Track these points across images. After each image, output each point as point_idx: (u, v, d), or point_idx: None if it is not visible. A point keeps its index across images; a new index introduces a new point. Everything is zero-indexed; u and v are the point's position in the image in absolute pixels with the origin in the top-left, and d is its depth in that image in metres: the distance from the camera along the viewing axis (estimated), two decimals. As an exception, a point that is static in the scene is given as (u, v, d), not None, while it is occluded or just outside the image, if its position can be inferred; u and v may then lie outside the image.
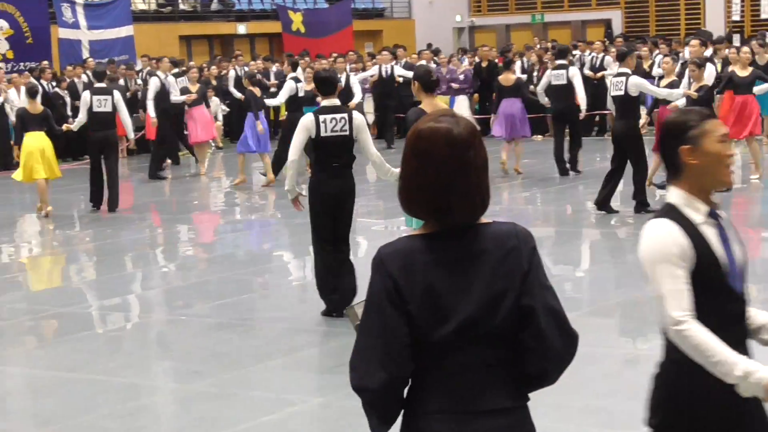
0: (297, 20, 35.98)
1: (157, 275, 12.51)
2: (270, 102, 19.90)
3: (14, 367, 8.89)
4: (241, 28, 35.85)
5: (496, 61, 27.86)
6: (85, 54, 29.84)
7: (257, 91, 19.66)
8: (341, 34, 36.19)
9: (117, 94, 17.23)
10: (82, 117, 17.01)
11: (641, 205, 14.51)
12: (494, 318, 3.20)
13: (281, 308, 10.33)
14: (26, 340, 9.89)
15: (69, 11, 30.22)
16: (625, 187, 14.92)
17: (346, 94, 19.83)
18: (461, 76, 26.40)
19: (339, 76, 19.49)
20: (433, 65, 27.29)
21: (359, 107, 20.67)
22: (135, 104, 24.19)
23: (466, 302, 3.19)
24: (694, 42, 17.86)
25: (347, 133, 9.66)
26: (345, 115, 9.71)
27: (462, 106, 26.44)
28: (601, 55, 26.02)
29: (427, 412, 3.23)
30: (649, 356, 8.19)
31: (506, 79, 19.82)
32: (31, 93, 17.15)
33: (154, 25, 33.59)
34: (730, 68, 18.63)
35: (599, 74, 25.20)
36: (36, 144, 16.64)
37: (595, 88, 24.15)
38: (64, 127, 17.45)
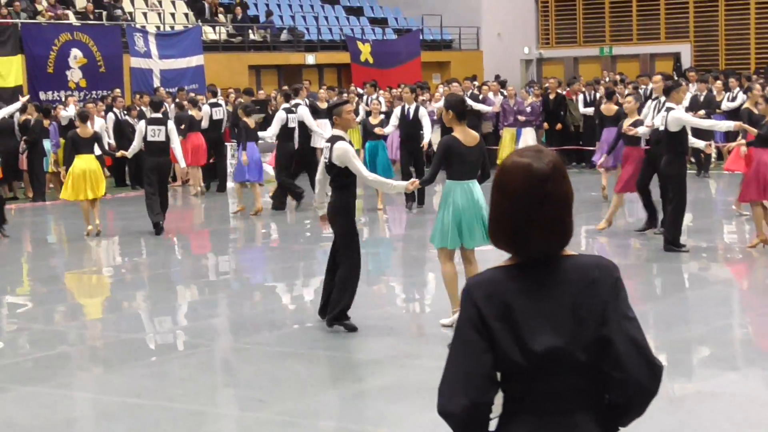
0: (366, 51, 36.18)
1: (222, 302, 12.58)
2: (263, 134, 20.00)
3: (81, 392, 8.98)
4: (310, 59, 36.09)
5: (564, 93, 27.82)
6: (156, 83, 30.21)
7: (251, 122, 19.96)
8: (410, 65, 36.34)
9: (170, 124, 17.93)
10: (136, 144, 17.86)
11: (670, 244, 14.23)
12: (577, 347, 3.25)
13: (345, 338, 10.34)
14: (92, 365, 9.99)
15: (141, 41, 30.63)
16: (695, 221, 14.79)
17: (415, 125, 19.84)
18: (528, 108, 26.38)
19: (407, 107, 19.67)
20: (500, 98, 27.32)
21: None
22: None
23: (548, 331, 3.25)
24: (657, 78, 16.88)
25: (327, 161, 10.44)
26: (328, 144, 10.47)
27: (529, 139, 26.40)
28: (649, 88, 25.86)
29: None
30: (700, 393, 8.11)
31: (608, 109, 20.49)
32: (83, 117, 17.91)
33: (224, 55, 33.93)
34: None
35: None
36: (85, 166, 17.53)
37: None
38: (119, 153, 18.85)
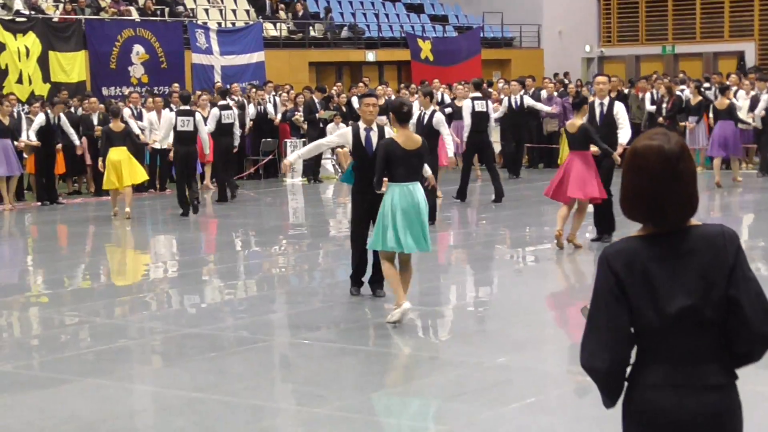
0: (426, 48, 36.15)
1: (281, 299, 12.65)
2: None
3: (141, 386, 9.07)
4: (370, 56, 36.14)
5: (626, 91, 27.64)
6: (217, 78, 30.38)
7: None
8: (470, 63, 36.25)
9: (198, 116, 19.85)
10: (164, 134, 20.35)
11: None
12: (706, 307, 3.71)
13: (404, 335, 10.36)
14: (154, 359, 10.08)
15: (203, 37, 30.83)
16: None
17: (431, 133, 19.10)
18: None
19: (424, 112, 18.52)
20: (553, 97, 27.15)
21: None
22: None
23: (682, 293, 3.71)
24: (601, 78, 16.14)
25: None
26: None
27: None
28: (734, 88, 25.62)
29: (649, 386, 3.75)
30: None
31: (721, 103, 22.50)
32: (114, 113, 20.07)
33: (285, 52, 34.06)
34: None
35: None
36: (117, 157, 19.47)
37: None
38: (150, 144, 21.57)
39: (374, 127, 11.43)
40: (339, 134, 11.99)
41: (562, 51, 40.33)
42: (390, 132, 11.42)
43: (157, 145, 22.31)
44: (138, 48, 29.35)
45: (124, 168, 19.49)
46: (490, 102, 21.25)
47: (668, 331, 3.73)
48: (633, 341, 3.76)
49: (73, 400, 8.45)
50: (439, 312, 11.35)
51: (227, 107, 22.08)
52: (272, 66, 32.13)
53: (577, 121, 14.55)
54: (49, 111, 22.40)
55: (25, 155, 22.33)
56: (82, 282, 14.36)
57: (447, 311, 11.42)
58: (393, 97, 28.67)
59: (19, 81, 26.93)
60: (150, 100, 24.61)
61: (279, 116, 26.87)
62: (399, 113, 10.56)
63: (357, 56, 35.98)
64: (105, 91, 28.06)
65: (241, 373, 9.21)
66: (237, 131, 22.47)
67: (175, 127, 19.60)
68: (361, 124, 11.55)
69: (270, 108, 27.00)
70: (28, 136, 21.69)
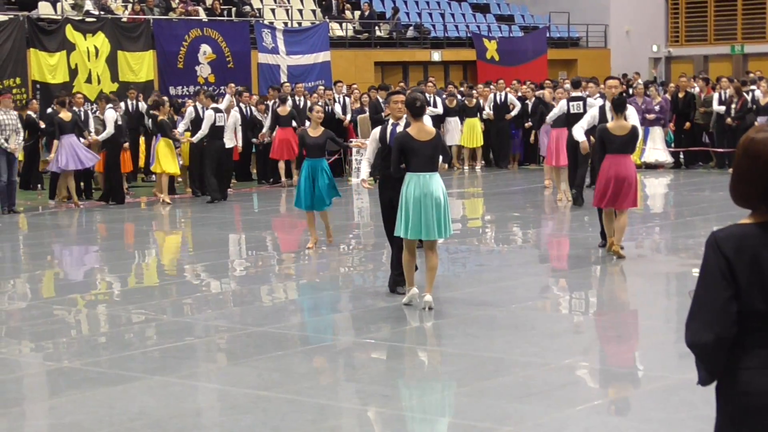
0: (492, 48, 36.08)
1: (344, 298, 12.66)
2: (180, 128, 22.91)
3: (207, 384, 9.12)
4: (436, 56, 36.13)
5: (694, 92, 27.39)
6: (283, 78, 30.51)
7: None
8: (536, 63, 36.15)
9: (234, 112, 23.42)
10: (204, 131, 22.23)
11: None
12: None
13: (468, 335, 10.34)
14: (219, 357, 10.13)
15: (269, 37, 30.98)
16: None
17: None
18: (657, 107, 26.02)
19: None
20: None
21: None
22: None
23: None
24: (613, 81, 16.16)
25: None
26: None
27: (656, 138, 26.06)
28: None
29: (749, 367, 3.89)
30: None
31: None
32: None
33: (351, 51, 34.14)
34: None
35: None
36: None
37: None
38: (185, 138, 22.93)
39: (401, 123, 12.05)
40: (372, 135, 12.74)
41: (630, 51, 40.06)
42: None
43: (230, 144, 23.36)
44: (205, 48, 29.55)
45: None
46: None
47: None
48: (737, 322, 3.90)
49: (141, 397, 8.51)
50: (504, 312, 11.31)
51: (220, 110, 22.65)
52: (338, 66, 32.22)
53: (623, 122, 14.08)
54: (197, 104, 23.30)
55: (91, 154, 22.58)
56: (147, 281, 14.48)
57: (512, 311, 11.38)
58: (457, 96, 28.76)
59: (89, 80, 27.23)
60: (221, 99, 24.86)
61: (348, 116, 26.97)
62: (413, 108, 11.17)
63: (422, 56, 35.98)
64: (172, 91, 28.29)
65: (306, 372, 9.23)
66: (237, 134, 23.63)
67: (214, 123, 22.07)
68: (390, 120, 12.37)
69: (338, 108, 27.07)
70: (179, 131, 22.94)
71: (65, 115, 21.58)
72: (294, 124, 24.79)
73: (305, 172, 15.34)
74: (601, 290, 13.23)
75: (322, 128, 15.57)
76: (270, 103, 25.96)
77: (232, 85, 27.03)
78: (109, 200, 22.35)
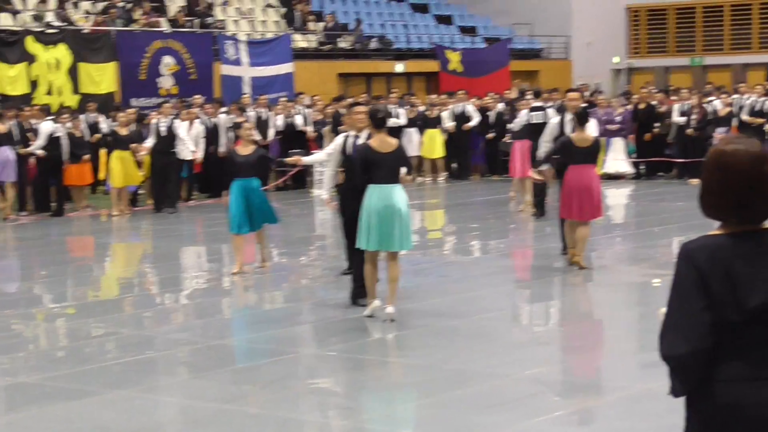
0: (455, 60, 36.08)
1: (306, 310, 12.58)
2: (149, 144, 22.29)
3: (168, 397, 9.02)
4: (399, 67, 36.10)
5: (654, 103, 27.50)
6: (246, 90, 30.36)
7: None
8: (498, 74, 36.14)
9: (197, 124, 23.70)
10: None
11: None
12: None
13: (431, 347, 10.28)
14: (179, 370, 10.03)
15: (232, 48, 30.83)
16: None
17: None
18: (618, 118, 26.11)
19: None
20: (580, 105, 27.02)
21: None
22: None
23: (760, 290, 3.86)
24: (574, 94, 15.51)
25: None
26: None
27: (618, 148, 26.15)
28: (762, 99, 25.46)
29: (722, 379, 3.87)
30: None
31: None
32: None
33: (314, 63, 34.06)
34: None
35: (759, 120, 24.73)
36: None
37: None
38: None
39: (362, 135, 12.01)
40: (335, 144, 12.74)
41: (591, 62, 40.18)
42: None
43: (190, 156, 22.94)
44: (168, 59, 29.37)
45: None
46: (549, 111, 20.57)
47: (746, 326, 3.88)
48: (712, 334, 3.86)
49: (100, 412, 8.41)
50: (467, 323, 11.27)
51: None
52: (301, 77, 32.12)
53: (586, 134, 14.06)
54: (161, 117, 23.00)
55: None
56: (107, 294, 14.35)
57: (475, 322, 11.34)
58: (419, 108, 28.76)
59: (49, 92, 26.99)
60: (184, 112, 24.66)
61: (310, 128, 26.88)
62: (375, 119, 11.23)
63: (386, 67, 35.95)
64: (134, 102, 28.06)
65: (268, 385, 9.15)
66: (198, 144, 23.69)
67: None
68: (350, 132, 12.37)
69: (299, 120, 26.99)
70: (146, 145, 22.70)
71: (1, 127, 21.52)
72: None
73: (236, 193, 14.31)
74: (564, 301, 13.22)
75: (253, 146, 14.61)
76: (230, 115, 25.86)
77: (197, 96, 26.93)
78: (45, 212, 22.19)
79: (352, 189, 11.88)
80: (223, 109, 25.73)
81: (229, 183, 14.47)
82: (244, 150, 14.47)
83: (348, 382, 9.26)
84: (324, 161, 13.43)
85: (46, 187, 22.49)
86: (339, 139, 12.68)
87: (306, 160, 14.63)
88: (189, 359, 10.30)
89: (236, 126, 15.22)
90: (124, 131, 22.17)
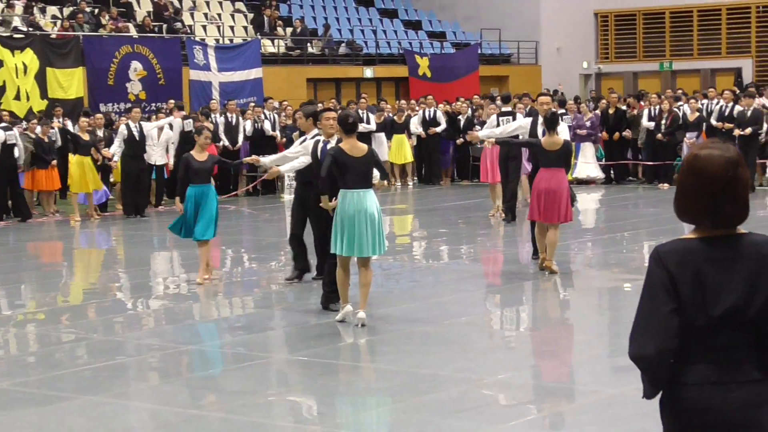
0: (424, 65, 36.19)
1: (277, 315, 12.60)
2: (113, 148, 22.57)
3: (139, 403, 9.01)
4: (368, 72, 36.15)
5: (624, 108, 27.63)
6: (215, 95, 30.34)
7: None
8: (468, 79, 36.29)
9: (167, 129, 23.49)
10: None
11: None
12: (750, 309, 3.94)
13: (402, 352, 10.31)
14: (150, 376, 10.02)
15: (201, 54, 30.80)
16: None
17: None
18: (588, 123, 26.22)
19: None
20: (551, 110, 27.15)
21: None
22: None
23: (729, 294, 3.93)
24: (544, 98, 15.74)
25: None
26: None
27: (587, 153, 26.26)
28: (730, 104, 25.63)
29: (689, 383, 3.94)
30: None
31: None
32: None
33: (283, 68, 34.07)
34: None
35: (728, 125, 24.90)
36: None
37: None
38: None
39: (332, 140, 12.13)
40: (304, 146, 13.00)
41: (560, 67, 40.35)
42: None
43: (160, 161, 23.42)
44: (136, 64, 29.31)
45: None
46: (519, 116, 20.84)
47: (712, 330, 3.94)
48: (679, 335, 3.94)
49: (71, 417, 8.39)
50: (438, 328, 11.31)
51: (8, 128, 22.45)
52: (270, 82, 32.12)
53: (556, 138, 14.15)
54: (130, 122, 22.87)
55: None
56: (77, 299, 14.30)
57: (446, 327, 11.37)
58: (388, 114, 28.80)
59: (17, 98, 26.88)
60: (154, 117, 24.63)
61: (278, 133, 26.84)
62: (345, 124, 11.28)
63: (355, 72, 35.99)
64: (102, 108, 27.99)
65: (239, 391, 9.15)
66: (169, 149, 23.75)
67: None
68: (321, 138, 12.61)
69: (267, 125, 26.97)
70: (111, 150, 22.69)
71: None
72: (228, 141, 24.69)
73: (193, 199, 14.09)
74: (535, 305, 13.27)
75: (207, 153, 14.51)
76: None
77: (172, 101, 26.90)
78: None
79: (310, 197, 12.17)
80: (182, 113, 25.60)
81: (183, 190, 14.22)
82: (200, 156, 14.30)
83: (319, 387, 9.27)
84: (281, 160, 13.66)
85: (4, 194, 22.37)
86: (310, 142, 12.76)
87: (264, 160, 14.46)
88: (160, 365, 10.29)
89: (197, 131, 14.90)
90: (85, 136, 22.05)
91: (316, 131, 13.30)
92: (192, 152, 14.42)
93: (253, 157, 15.09)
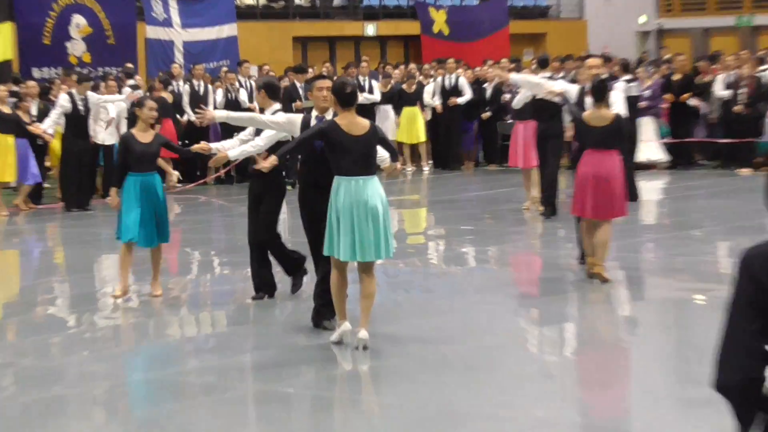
0: (440, 20, 36.18)
1: (257, 334, 12.55)
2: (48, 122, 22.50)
3: (82, 446, 8.97)
4: (370, 29, 36.16)
5: (691, 74, 27.55)
6: (178, 58, 30.30)
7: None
8: (494, 38, 36.29)
9: (120, 102, 23.96)
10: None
11: None
12: None
13: (414, 381, 10.27)
14: (95, 413, 9.97)
15: (160, 6, 30.78)
16: None
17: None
18: (647, 93, 26.11)
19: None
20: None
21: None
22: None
23: None
24: (594, 61, 16.29)
25: None
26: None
27: (647, 131, 26.12)
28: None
29: None
30: None
31: None
32: None
33: (263, 23, 34.08)
34: None
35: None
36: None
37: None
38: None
39: (328, 116, 11.98)
40: (287, 119, 12.56)
41: (611, 23, 40.32)
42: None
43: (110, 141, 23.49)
44: (78, 19, 29.29)
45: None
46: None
47: None
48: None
49: (-8, 466, 8.34)
50: (458, 350, 11.25)
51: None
52: (247, 41, 32.12)
53: (604, 111, 14.08)
54: (73, 91, 22.87)
55: None
56: (6, 313, 14.27)
57: (468, 350, 11.33)
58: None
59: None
60: (103, 84, 24.53)
61: (256, 104, 26.74)
62: (341, 94, 11.17)
63: (353, 30, 35.99)
64: (37, 73, 27.97)
65: (208, 431, 9.09)
66: (121, 126, 23.63)
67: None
68: (313, 113, 12.36)
69: (243, 95, 26.95)
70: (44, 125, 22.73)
71: None
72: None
73: (134, 191, 13.71)
74: (580, 323, 13.23)
75: (153, 132, 14.12)
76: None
77: (130, 65, 26.88)
78: None
79: (313, 184, 11.91)
80: (131, 81, 25.55)
81: (120, 179, 13.85)
82: (144, 136, 13.86)
83: (310, 426, 9.23)
84: (248, 141, 13.43)
85: None
86: (295, 117, 12.60)
87: (218, 146, 13.85)
88: (106, 398, 10.25)
89: (137, 103, 14.51)
90: (5, 109, 21.97)
91: (276, 106, 13.27)
92: (133, 130, 13.97)
93: (202, 143, 14.24)
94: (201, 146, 13.93)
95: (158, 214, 13.86)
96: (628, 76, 21.34)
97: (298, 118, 12.54)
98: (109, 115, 23.35)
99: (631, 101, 20.46)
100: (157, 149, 14.01)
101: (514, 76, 16.96)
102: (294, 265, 13.85)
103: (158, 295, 14.13)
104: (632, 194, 19.85)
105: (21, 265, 18.31)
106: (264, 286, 13.79)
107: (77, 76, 23.51)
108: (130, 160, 13.68)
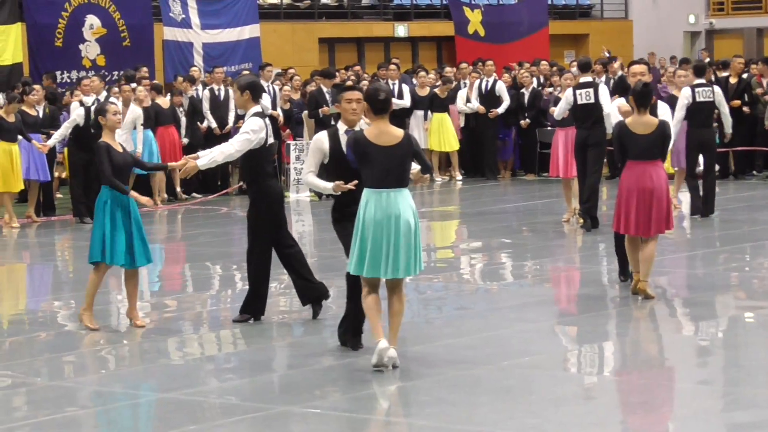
0: (475, 20, 36.18)
1: (281, 353, 12.61)
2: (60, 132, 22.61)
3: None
4: (401, 30, 36.16)
5: (745, 77, 27.43)
6: (197, 60, 30.34)
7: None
8: (533, 39, 36.29)
9: (134, 108, 23.35)
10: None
11: None
12: None
13: (446, 403, 10.33)
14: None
15: (178, 5, 30.81)
16: None
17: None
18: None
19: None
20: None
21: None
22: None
23: None
24: (639, 68, 16.37)
25: None
26: None
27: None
28: None
29: None
30: None
31: None
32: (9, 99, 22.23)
33: (287, 24, 34.09)
34: None
35: None
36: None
37: None
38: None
39: (358, 129, 11.77)
40: (319, 137, 12.13)
41: (658, 23, 40.25)
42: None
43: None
44: (92, 19, 29.37)
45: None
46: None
47: None
48: None
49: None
50: (493, 371, 11.30)
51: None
52: (270, 43, 32.19)
53: (648, 118, 14.13)
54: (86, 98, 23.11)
55: None
56: (15, 329, 14.35)
57: (503, 370, 11.38)
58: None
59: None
60: (116, 90, 24.52)
61: (279, 111, 26.70)
62: (374, 101, 11.14)
63: (383, 30, 36.00)
64: (46, 81, 28.02)
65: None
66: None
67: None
68: (341, 127, 12.11)
69: (266, 101, 26.94)
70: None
71: None
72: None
73: (110, 206, 13.31)
74: (623, 341, 13.23)
75: (119, 142, 13.77)
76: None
77: (145, 69, 26.94)
78: None
79: (352, 201, 11.58)
80: (136, 86, 25.58)
81: (120, 182, 13.36)
82: (118, 146, 13.49)
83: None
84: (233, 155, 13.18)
85: None
86: (324, 134, 12.16)
87: (205, 161, 13.23)
88: (122, 419, 10.31)
89: (99, 111, 13.55)
90: (10, 117, 22.01)
91: (256, 108, 13.23)
92: (106, 140, 13.37)
93: (185, 159, 13.51)
94: (182, 163, 13.37)
95: (137, 234, 13.37)
96: (699, 80, 21.08)
97: (322, 138, 12.09)
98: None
99: (706, 107, 20.54)
100: (132, 161, 13.75)
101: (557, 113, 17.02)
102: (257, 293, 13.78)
103: (139, 324, 13.63)
104: (709, 208, 20.06)
105: (33, 281, 18.40)
106: (309, 295, 13.86)
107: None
108: (112, 172, 13.19)
